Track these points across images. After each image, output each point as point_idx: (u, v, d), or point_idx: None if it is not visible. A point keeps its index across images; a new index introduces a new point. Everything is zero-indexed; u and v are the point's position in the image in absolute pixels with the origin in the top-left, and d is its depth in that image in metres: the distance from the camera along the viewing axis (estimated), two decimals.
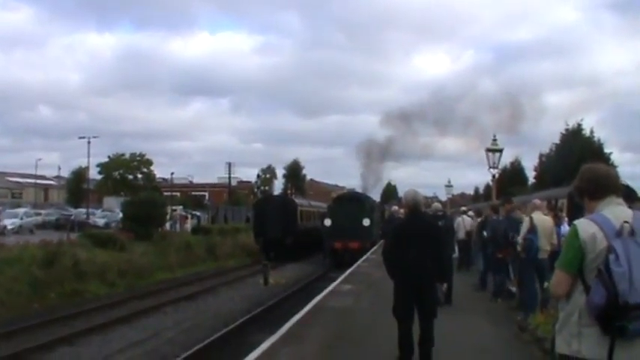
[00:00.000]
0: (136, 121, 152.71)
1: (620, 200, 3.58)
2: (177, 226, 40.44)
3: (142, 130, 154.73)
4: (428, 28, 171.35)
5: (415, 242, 7.95)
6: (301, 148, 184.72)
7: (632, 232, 3.36)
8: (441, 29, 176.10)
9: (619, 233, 3.35)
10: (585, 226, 3.48)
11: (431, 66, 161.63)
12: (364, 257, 28.64)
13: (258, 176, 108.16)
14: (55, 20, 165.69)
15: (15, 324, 16.42)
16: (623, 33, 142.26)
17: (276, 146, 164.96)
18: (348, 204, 36.81)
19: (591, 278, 3.36)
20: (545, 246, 10.86)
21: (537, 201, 12.25)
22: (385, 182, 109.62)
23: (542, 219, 11.30)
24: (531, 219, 11.07)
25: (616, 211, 3.48)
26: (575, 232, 3.49)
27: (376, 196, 70.96)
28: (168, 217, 40.31)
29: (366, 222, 35.17)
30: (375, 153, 56.59)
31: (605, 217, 3.46)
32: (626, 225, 3.37)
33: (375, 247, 33.00)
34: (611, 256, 3.28)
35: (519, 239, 11.09)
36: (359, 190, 50.56)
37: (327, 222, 35.26)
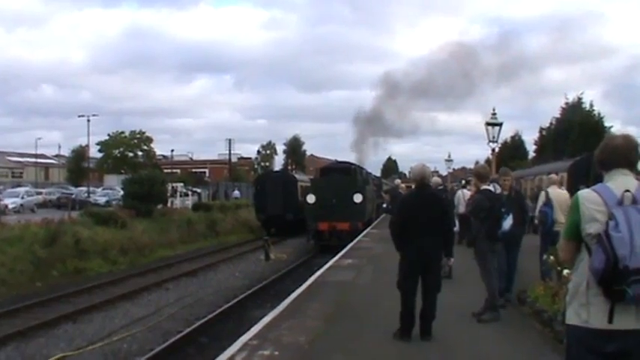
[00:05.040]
0: (138, 98, 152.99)
1: (627, 171, 3.61)
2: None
3: (143, 108, 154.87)
4: (433, 2, 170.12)
5: (422, 216, 7.98)
6: (304, 124, 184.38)
7: (635, 201, 3.41)
8: (445, 3, 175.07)
9: (620, 202, 3.42)
10: (587, 195, 3.56)
11: (435, 40, 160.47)
12: (365, 232, 28.45)
13: (259, 152, 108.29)
14: None
15: (18, 302, 16.51)
16: (629, 6, 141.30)
17: (279, 122, 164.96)
18: (336, 176, 30.85)
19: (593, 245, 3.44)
20: (561, 219, 10.90)
21: (554, 176, 12.50)
22: (386, 157, 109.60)
23: (558, 192, 11.56)
24: (547, 193, 11.49)
25: (619, 181, 3.53)
26: (576, 202, 3.60)
27: (376, 171, 69.74)
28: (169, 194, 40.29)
29: (358, 198, 29.30)
30: (373, 123, 51.08)
31: (606, 187, 3.54)
32: (628, 194, 3.43)
33: (373, 224, 31.78)
34: (611, 222, 3.35)
35: (536, 212, 11.39)
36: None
37: (311, 198, 29.32)
